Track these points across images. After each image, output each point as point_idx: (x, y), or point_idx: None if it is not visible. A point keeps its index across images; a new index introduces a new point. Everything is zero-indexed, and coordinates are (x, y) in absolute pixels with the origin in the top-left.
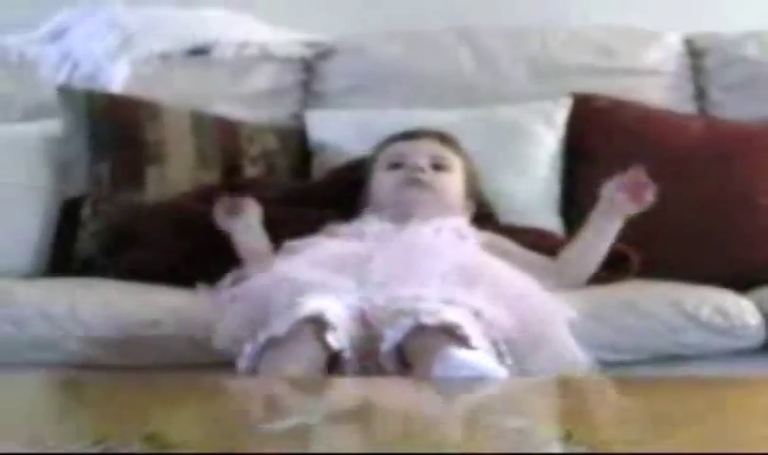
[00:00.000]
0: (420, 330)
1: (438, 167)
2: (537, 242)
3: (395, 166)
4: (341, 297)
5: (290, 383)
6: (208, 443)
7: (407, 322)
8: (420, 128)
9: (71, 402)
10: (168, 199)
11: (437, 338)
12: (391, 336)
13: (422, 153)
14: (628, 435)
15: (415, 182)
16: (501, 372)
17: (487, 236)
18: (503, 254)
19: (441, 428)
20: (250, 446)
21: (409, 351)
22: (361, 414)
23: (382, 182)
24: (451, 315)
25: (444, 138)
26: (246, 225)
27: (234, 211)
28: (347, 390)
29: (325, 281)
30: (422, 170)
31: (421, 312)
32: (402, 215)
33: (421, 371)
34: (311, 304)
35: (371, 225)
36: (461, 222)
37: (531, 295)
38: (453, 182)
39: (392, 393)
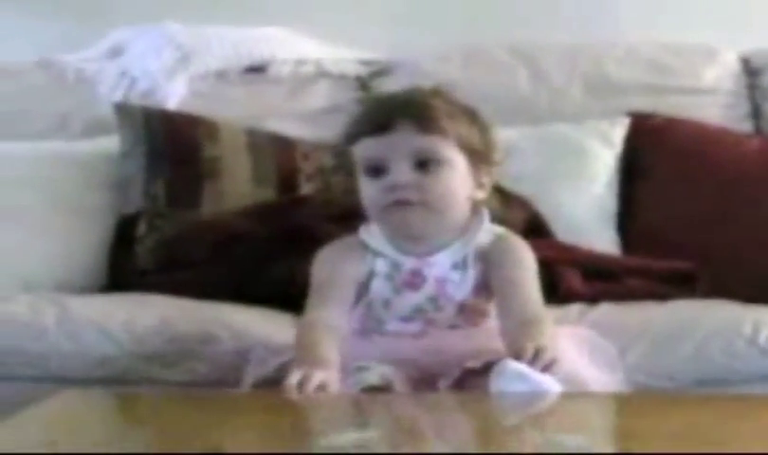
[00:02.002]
0: (469, 373)
1: (425, 164)
2: (589, 262)
3: (374, 172)
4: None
5: (350, 399)
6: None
7: (454, 371)
8: (393, 108)
9: (129, 418)
10: (222, 216)
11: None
12: (442, 386)
13: (400, 153)
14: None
15: (399, 205)
16: (555, 386)
17: (500, 242)
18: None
19: (498, 445)
20: None
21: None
22: (418, 430)
23: (365, 194)
24: (495, 357)
25: (424, 122)
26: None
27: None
28: (405, 406)
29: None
30: (403, 186)
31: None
32: (405, 240)
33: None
34: (379, 370)
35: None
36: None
37: (578, 373)
38: (447, 178)
39: (449, 409)
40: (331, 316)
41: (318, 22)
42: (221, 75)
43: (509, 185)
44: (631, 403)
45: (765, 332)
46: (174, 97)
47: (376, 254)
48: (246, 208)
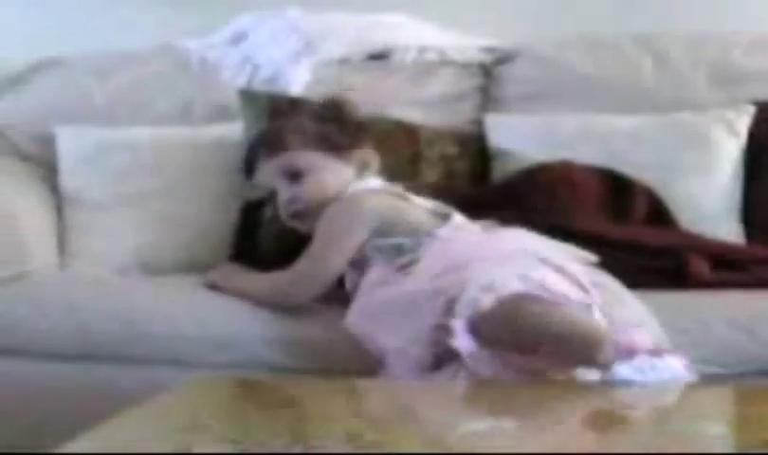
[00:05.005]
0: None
1: (295, 175)
2: (715, 250)
3: (272, 195)
4: None
5: (481, 385)
6: (406, 442)
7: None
8: (251, 151)
9: (267, 403)
10: None
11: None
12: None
13: (272, 179)
14: None
15: (295, 218)
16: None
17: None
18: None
19: (637, 434)
20: (451, 446)
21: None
22: (550, 420)
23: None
24: None
25: (272, 148)
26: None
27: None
28: (537, 393)
29: None
30: (287, 203)
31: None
32: None
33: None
34: None
35: None
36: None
37: None
38: (314, 179)
39: (576, 397)
40: None
41: (440, 9)
42: (344, 62)
43: (633, 173)
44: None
45: None
46: (298, 83)
47: None
48: None
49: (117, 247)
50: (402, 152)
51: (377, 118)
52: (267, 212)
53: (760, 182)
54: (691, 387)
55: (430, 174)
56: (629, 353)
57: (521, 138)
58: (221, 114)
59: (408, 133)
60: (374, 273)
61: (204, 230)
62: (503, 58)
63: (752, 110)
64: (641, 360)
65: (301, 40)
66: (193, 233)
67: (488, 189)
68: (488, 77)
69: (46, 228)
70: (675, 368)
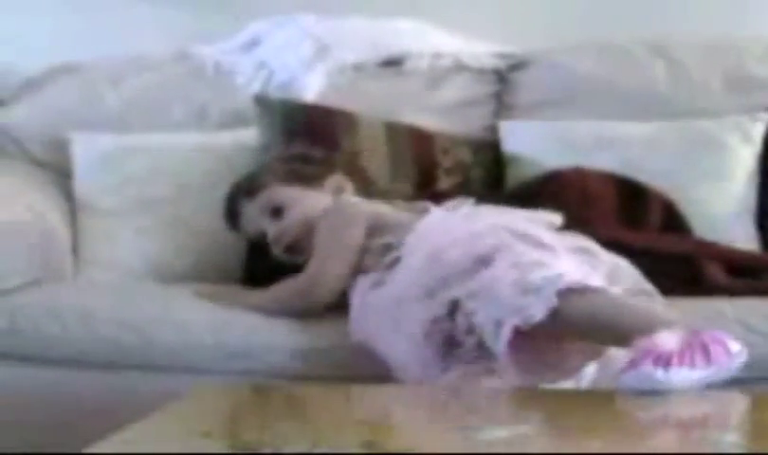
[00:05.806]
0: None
1: (277, 211)
2: (731, 257)
3: (263, 237)
4: None
5: (500, 393)
6: (422, 448)
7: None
8: (231, 199)
9: (283, 410)
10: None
11: None
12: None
13: (258, 220)
14: None
15: (289, 252)
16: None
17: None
18: None
19: (655, 442)
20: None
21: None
22: (569, 427)
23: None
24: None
25: (249, 191)
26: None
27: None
28: (556, 401)
29: None
30: (275, 239)
31: None
32: None
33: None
34: None
35: None
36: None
37: None
38: (294, 211)
39: (594, 407)
40: None
41: (454, 15)
42: (358, 68)
43: (647, 179)
44: None
45: None
46: (313, 89)
47: None
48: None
49: (130, 254)
50: (417, 159)
51: (393, 124)
52: None
53: None
54: (708, 392)
55: (446, 182)
56: (632, 362)
57: (535, 145)
58: (235, 120)
59: (423, 140)
60: (363, 282)
61: (218, 237)
62: (518, 64)
63: (767, 117)
64: (647, 370)
65: (316, 46)
66: (208, 240)
67: (501, 196)
68: (503, 83)
69: (61, 235)
70: (682, 378)
